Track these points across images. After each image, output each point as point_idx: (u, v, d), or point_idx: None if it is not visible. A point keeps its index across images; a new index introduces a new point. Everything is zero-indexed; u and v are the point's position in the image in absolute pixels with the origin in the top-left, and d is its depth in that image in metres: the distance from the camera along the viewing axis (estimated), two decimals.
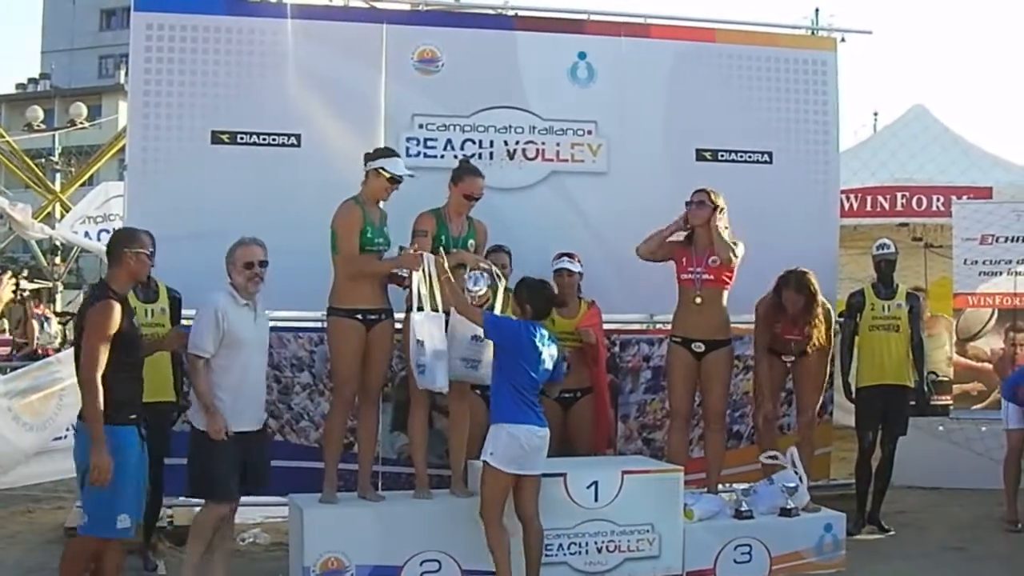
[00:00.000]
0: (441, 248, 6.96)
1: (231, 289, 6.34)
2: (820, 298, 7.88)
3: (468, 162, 7.49)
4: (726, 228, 7.63)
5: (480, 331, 6.61)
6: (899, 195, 12.38)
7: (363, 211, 6.88)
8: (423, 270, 6.72)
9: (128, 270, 5.96)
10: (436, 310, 6.76)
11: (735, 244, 7.58)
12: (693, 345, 7.65)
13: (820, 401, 8.34)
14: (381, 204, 7.08)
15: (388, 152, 7.14)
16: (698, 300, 7.62)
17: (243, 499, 7.20)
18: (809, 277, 7.79)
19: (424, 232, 7.02)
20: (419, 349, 6.66)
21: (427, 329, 6.68)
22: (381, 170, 6.91)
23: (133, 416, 5.87)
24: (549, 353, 6.50)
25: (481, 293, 6.86)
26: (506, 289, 7.72)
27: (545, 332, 6.57)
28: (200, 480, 6.26)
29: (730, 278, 7.66)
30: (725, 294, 7.68)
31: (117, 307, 5.77)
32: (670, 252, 7.74)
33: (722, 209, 7.63)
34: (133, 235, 6.13)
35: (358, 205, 6.89)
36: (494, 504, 6.38)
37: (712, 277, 7.63)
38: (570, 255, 7.93)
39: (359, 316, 6.81)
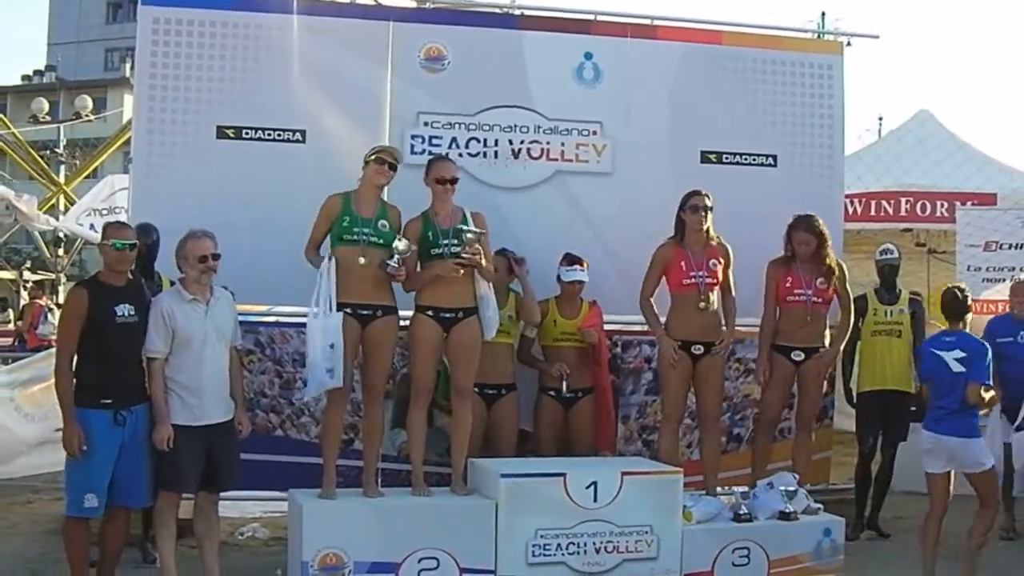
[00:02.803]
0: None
1: (179, 285, 6.45)
2: (832, 251, 8.00)
3: (435, 156, 7.56)
4: (717, 237, 7.73)
5: (335, 339, 6.64)
6: (903, 200, 12.38)
7: (346, 202, 6.89)
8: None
9: (104, 260, 6.32)
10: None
11: (726, 247, 7.73)
12: (693, 348, 7.66)
13: (820, 406, 8.36)
14: (385, 197, 7.09)
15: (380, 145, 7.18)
16: (702, 304, 7.62)
17: (243, 493, 7.25)
18: (818, 219, 7.92)
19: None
20: (331, 353, 6.65)
21: (336, 331, 6.69)
22: (367, 157, 6.98)
23: (107, 401, 6.11)
24: (953, 357, 7.03)
25: (402, 249, 6.81)
26: (510, 290, 7.76)
27: (948, 338, 7.16)
28: (159, 469, 6.32)
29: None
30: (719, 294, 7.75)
31: (82, 293, 6.22)
32: (663, 264, 7.72)
33: (710, 209, 7.65)
34: (109, 226, 6.47)
35: (340, 196, 6.92)
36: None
37: (715, 280, 7.65)
38: (579, 261, 7.90)
39: (349, 311, 6.78)
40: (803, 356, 7.94)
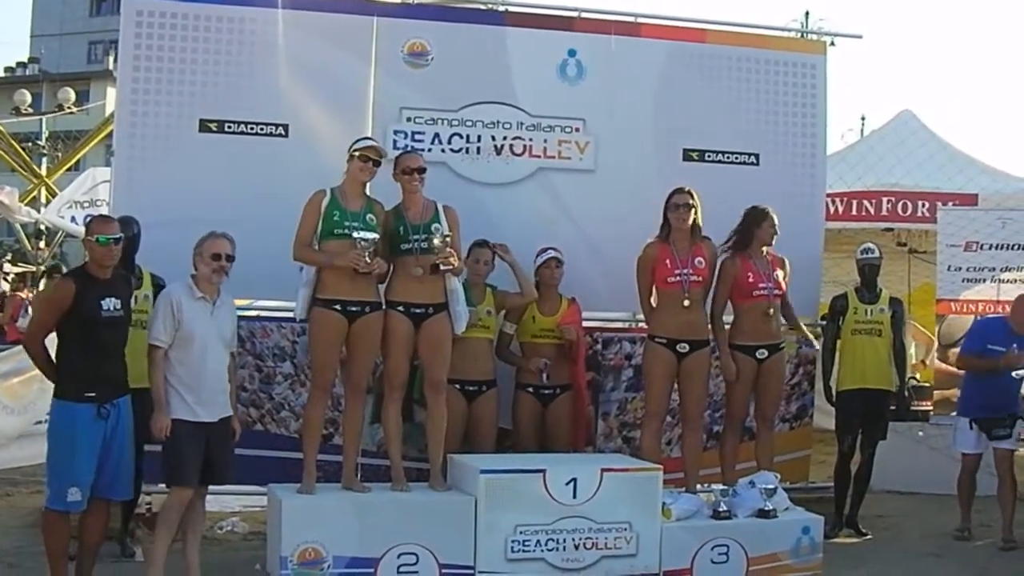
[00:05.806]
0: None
1: (190, 281, 6.43)
2: None
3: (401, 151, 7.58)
4: (706, 238, 7.74)
5: None
6: (885, 200, 12.40)
7: (332, 197, 6.85)
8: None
9: (90, 256, 6.29)
10: None
11: (713, 246, 7.77)
12: (678, 346, 7.65)
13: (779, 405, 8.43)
14: (368, 192, 7.06)
15: (364, 138, 7.19)
16: (687, 302, 7.62)
17: (222, 488, 7.23)
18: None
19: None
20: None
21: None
22: (351, 151, 6.94)
23: (91, 394, 6.09)
24: None
25: (368, 240, 6.72)
26: (487, 285, 7.76)
27: None
28: (165, 465, 6.37)
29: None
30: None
31: (70, 286, 6.17)
32: (651, 264, 7.71)
33: (694, 206, 7.65)
34: (93, 221, 6.45)
35: (325, 191, 6.87)
36: None
37: (700, 279, 7.65)
38: (554, 248, 7.94)
39: (338, 307, 6.76)
40: (767, 354, 7.95)
